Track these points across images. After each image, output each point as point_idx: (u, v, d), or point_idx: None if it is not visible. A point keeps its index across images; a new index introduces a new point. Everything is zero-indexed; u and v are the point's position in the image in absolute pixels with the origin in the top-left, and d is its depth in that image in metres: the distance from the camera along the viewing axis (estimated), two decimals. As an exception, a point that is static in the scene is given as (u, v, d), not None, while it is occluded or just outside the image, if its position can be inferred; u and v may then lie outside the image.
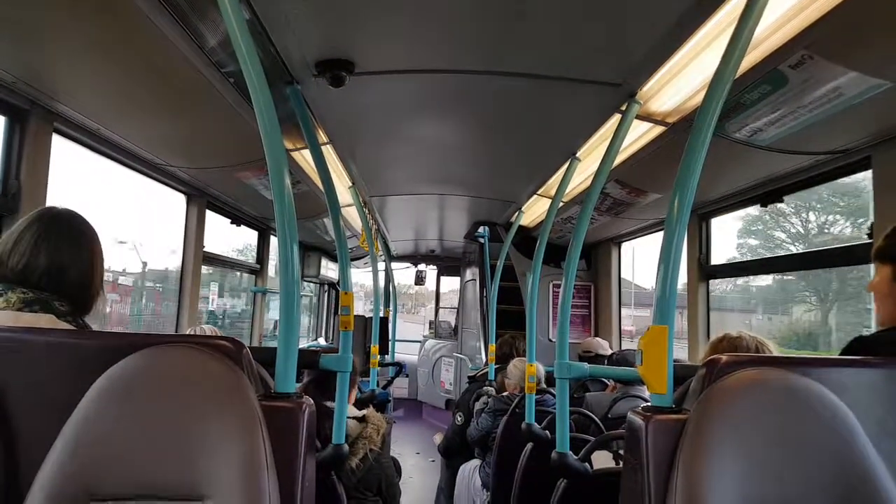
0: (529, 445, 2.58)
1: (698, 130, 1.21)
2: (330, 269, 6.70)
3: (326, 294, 7.55)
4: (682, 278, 3.24)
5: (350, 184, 3.39)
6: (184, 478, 0.91)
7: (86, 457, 0.93)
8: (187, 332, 3.00)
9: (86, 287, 1.37)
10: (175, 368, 1.00)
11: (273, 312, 5.10)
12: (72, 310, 1.32)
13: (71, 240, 1.36)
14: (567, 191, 2.62)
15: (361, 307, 12.80)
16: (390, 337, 6.53)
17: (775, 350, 1.71)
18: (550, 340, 4.77)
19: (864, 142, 1.98)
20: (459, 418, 3.96)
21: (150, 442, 0.93)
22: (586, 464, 1.96)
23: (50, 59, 1.74)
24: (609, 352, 3.83)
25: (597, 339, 4.14)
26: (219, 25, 1.54)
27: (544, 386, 3.14)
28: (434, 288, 9.42)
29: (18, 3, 1.42)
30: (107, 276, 1.47)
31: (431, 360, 7.76)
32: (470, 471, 3.60)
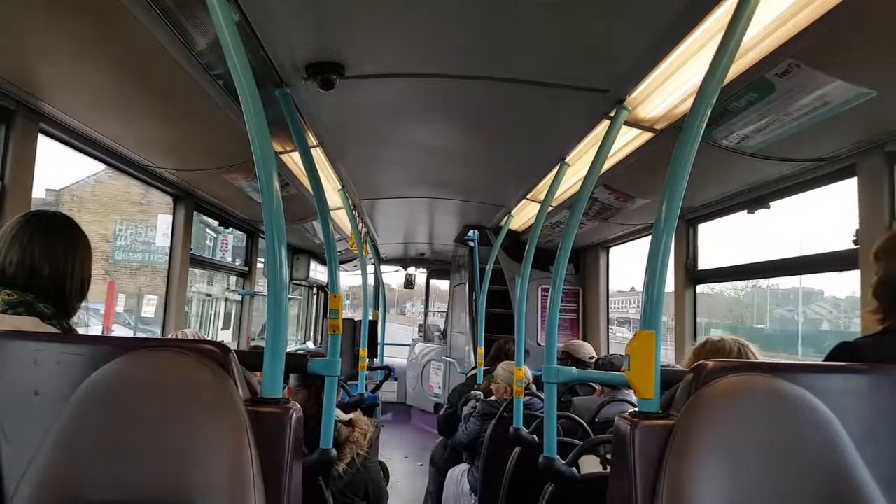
0: (517, 449, 2.58)
1: (686, 137, 1.21)
2: (319, 272, 6.67)
3: (315, 297, 7.52)
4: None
5: (339, 187, 3.38)
6: (169, 483, 0.91)
7: (70, 461, 0.92)
8: (171, 336, 2.98)
9: (61, 288, 1.35)
10: (161, 373, 0.99)
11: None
12: (56, 312, 1.30)
13: (46, 239, 1.35)
14: (556, 195, 2.63)
15: (350, 311, 12.78)
16: (379, 340, 6.50)
17: (758, 353, 1.73)
18: (539, 344, 4.78)
19: (849, 150, 2.01)
20: (447, 408, 4.10)
21: (136, 447, 0.92)
22: (574, 468, 1.96)
23: (36, 59, 1.72)
24: (587, 357, 3.59)
25: (576, 342, 3.87)
26: (208, 27, 1.53)
27: (533, 389, 3.14)
28: (423, 291, 9.42)
29: (4, 3, 1.41)
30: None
31: (420, 363, 7.74)
32: (458, 475, 3.59)
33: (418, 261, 8.18)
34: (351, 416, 2.19)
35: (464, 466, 3.59)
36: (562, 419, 2.48)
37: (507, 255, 4.93)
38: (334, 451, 1.90)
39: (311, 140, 2.58)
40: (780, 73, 1.59)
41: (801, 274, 2.70)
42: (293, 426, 1.08)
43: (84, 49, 1.63)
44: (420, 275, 8.85)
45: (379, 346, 6.50)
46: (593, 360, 3.54)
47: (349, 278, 9.25)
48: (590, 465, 2.17)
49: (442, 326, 8.05)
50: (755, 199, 2.65)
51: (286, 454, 1.05)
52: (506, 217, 3.96)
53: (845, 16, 1.31)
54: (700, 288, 3.27)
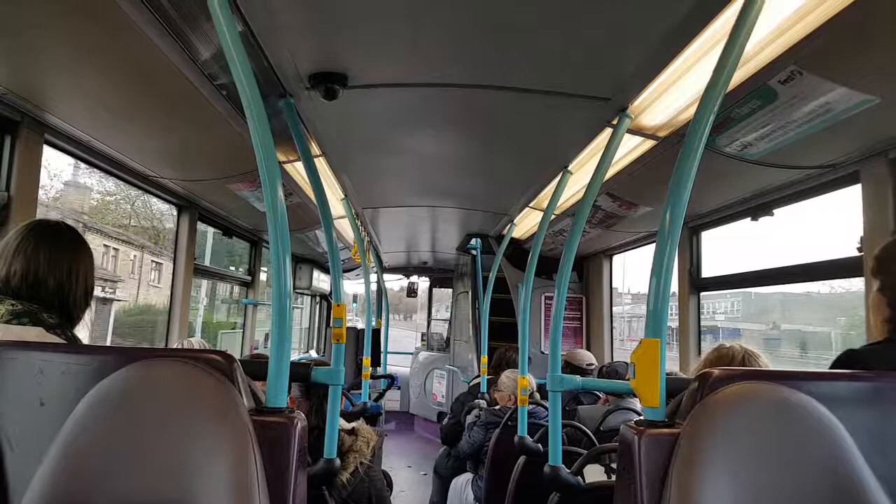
0: (522, 459, 2.56)
1: (689, 144, 1.21)
2: (322, 281, 6.68)
3: (318, 306, 7.52)
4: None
5: (342, 196, 3.39)
6: (174, 492, 0.90)
7: (75, 471, 0.91)
8: (176, 346, 2.98)
9: (65, 297, 1.35)
10: (166, 382, 0.99)
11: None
12: (60, 322, 1.30)
13: (51, 248, 1.35)
14: (559, 203, 2.63)
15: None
16: (382, 349, 6.49)
17: (766, 361, 1.73)
18: (543, 353, 4.77)
19: (853, 157, 2.01)
20: (450, 418, 4.04)
21: (141, 456, 0.92)
22: (579, 477, 1.95)
23: (41, 70, 1.73)
24: (585, 364, 3.57)
25: (575, 350, 3.89)
26: (212, 38, 1.54)
27: (537, 398, 3.13)
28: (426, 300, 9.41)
29: (8, 14, 1.42)
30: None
31: (423, 372, 7.72)
32: (462, 484, 3.57)
33: (421, 269, 8.16)
34: (354, 424, 2.18)
35: (467, 476, 3.58)
36: (566, 428, 2.47)
37: (510, 264, 4.93)
38: (338, 461, 1.89)
39: (315, 149, 2.59)
40: (783, 81, 1.59)
41: (805, 281, 2.69)
42: (298, 436, 1.08)
43: (89, 60, 1.64)
44: (422, 283, 8.84)
45: (382, 355, 6.49)
46: (592, 368, 3.53)
47: (348, 286, 9.23)
48: (593, 474, 2.16)
49: (445, 335, 8.03)
50: (759, 206, 2.65)
51: (291, 464, 1.05)
52: (508, 225, 3.96)
53: (848, 23, 1.31)
54: (817, 285, 3.22)
